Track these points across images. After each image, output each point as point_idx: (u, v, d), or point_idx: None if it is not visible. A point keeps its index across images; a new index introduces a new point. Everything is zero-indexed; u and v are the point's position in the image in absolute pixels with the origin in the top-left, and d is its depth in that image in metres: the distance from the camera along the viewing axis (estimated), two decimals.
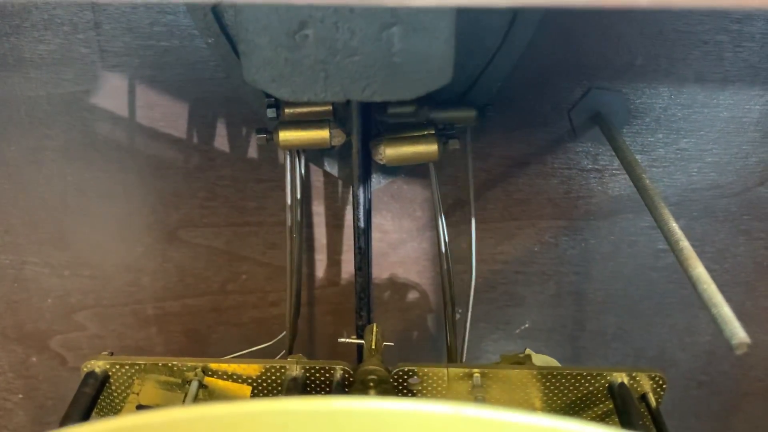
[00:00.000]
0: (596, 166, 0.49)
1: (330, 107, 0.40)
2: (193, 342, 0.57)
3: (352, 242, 0.50)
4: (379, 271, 0.54)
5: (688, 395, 0.59)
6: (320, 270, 0.54)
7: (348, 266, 0.53)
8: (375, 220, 0.51)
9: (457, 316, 0.55)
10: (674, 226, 0.35)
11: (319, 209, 0.51)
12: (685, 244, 0.34)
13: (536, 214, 0.51)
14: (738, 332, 0.28)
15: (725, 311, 0.30)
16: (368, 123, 0.41)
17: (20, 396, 0.60)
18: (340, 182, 0.50)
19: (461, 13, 0.33)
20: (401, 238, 0.52)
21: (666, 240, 0.35)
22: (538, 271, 0.53)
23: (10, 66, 0.46)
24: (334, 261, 0.53)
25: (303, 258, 0.52)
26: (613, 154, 0.47)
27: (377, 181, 0.49)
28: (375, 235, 0.52)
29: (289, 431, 0.19)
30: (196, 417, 0.20)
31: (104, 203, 0.51)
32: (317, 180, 0.50)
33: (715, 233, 0.52)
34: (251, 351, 0.48)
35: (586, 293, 0.54)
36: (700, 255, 0.52)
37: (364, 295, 0.45)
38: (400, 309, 0.55)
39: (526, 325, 0.56)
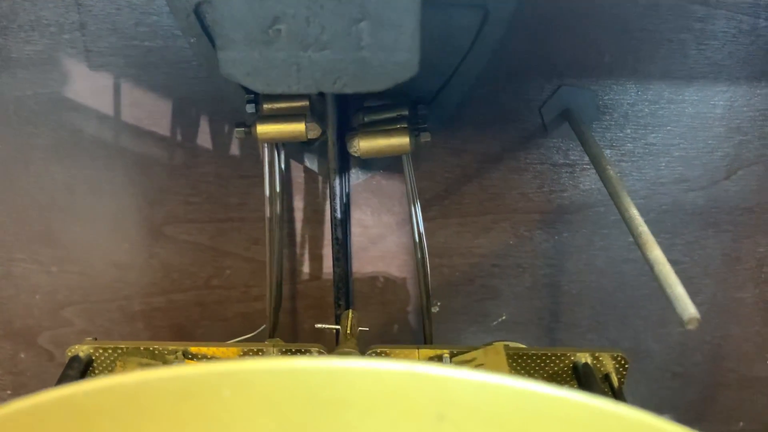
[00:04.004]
0: (567, 161, 0.51)
1: (307, 102, 0.42)
2: (179, 337, 0.58)
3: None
4: (360, 266, 0.55)
5: (663, 386, 0.60)
6: (302, 264, 0.55)
7: (329, 261, 0.55)
8: (355, 215, 0.53)
9: (437, 309, 0.56)
10: (635, 212, 0.37)
11: (299, 204, 0.53)
12: (644, 229, 0.35)
13: (511, 208, 0.53)
14: (689, 308, 0.30)
15: (678, 290, 0.31)
16: (344, 117, 0.43)
17: (9, 392, 0.61)
18: (320, 178, 0.52)
19: (434, 13, 0.34)
20: (381, 233, 0.54)
21: (627, 226, 0.36)
22: (514, 264, 0.55)
23: None
24: (315, 255, 0.55)
25: (284, 253, 0.54)
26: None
27: (356, 177, 0.51)
28: (355, 230, 0.53)
29: (255, 389, 0.21)
30: (170, 377, 0.21)
31: (91, 200, 0.52)
32: (298, 176, 0.52)
33: (684, 226, 0.53)
34: (233, 342, 0.49)
35: (561, 285, 0.56)
36: (670, 247, 0.54)
37: (342, 285, 0.46)
38: (380, 302, 0.57)
39: (503, 318, 0.57)
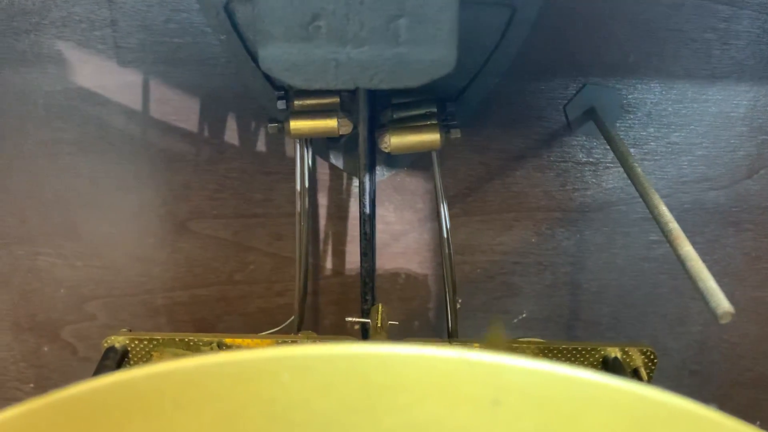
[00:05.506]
0: (591, 159, 0.51)
1: (337, 99, 0.43)
2: (201, 331, 0.58)
3: (355, 234, 0.52)
4: (382, 262, 0.55)
5: (681, 384, 0.61)
6: (325, 260, 0.56)
7: (351, 257, 0.55)
8: (378, 211, 0.53)
9: (458, 305, 0.56)
10: (664, 209, 0.37)
11: (323, 201, 0.53)
12: (674, 225, 0.36)
13: (533, 206, 0.53)
14: (723, 302, 0.30)
15: (711, 284, 0.31)
16: (374, 113, 0.43)
17: (32, 385, 0.61)
18: (344, 175, 0.52)
19: (461, 11, 0.35)
20: (403, 230, 0.54)
21: (656, 222, 0.37)
22: (535, 261, 0.55)
23: (29, 62, 0.48)
24: (338, 252, 0.55)
25: (309, 248, 0.54)
26: (607, 147, 0.50)
27: (381, 174, 0.51)
28: (378, 226, 0.54)
29: (312, 374, 0.21)
30: (230, 362, 0.21)
31: (117, 195, 0.53)
32: (323, 173, 0.52)
33: (705, 225, 0.54)
34: (266, 333, 0.49)
35: (581, 283, 0.56)
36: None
37: (368, 280, 0.47)
38: (401, 298, 0.57)
39: (524, 315, 0.58)
